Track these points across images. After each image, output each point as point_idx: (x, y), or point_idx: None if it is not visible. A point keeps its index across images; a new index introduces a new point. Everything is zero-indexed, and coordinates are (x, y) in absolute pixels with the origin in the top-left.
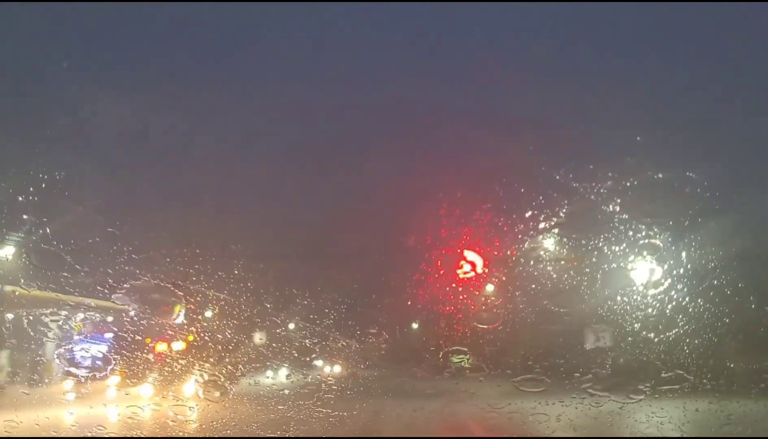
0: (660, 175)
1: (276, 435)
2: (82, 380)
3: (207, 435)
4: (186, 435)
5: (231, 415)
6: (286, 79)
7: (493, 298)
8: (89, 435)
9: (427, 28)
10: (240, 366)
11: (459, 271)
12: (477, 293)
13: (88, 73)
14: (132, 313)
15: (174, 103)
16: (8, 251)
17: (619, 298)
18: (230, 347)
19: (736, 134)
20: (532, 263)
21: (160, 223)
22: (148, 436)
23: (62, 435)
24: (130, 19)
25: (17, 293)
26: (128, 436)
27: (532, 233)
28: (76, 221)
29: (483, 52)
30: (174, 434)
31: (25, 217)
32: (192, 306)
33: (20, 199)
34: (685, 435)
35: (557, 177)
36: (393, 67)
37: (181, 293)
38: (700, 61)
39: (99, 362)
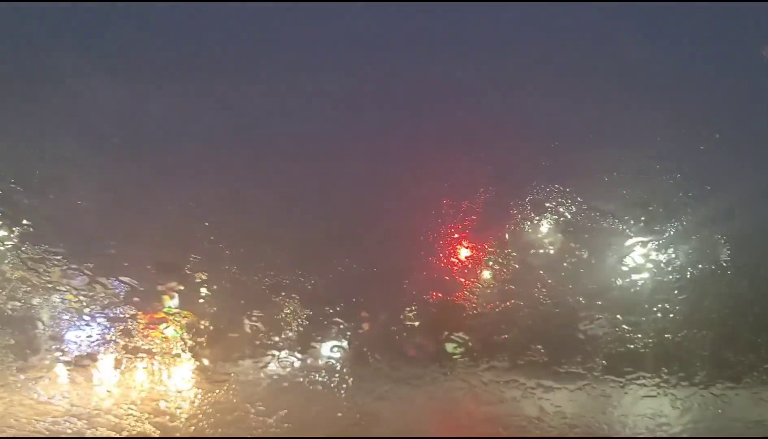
0: (658, 165)
1: (275, 435)
2: (73, 362)
3: (202, 425)
4: (179, 424)
5: (226, 401)
6: (280, 71)
7: (489, 285)
8: (89, 435)
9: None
10: (233, 351)
11: (454, 257)
12: (473, 279)
13: (87, 60)
14: (123, 295)
15: (171, 94)
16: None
17: (618, 285)
18: (224, 331)
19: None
20: (530, 249)
21: (156, 206)
22: (145, 436)
23: (54, 424)
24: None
25: (8, 274)
26: (127, 436)
27: (530, 219)
28: (71, 202)
29: (479, 47)
30: (167, 422)
31: (16, 195)
32: (187, 289)
33: (14, 179)
34: (684, 434)
35: (555, 164)
36: (391, 59)
37: (176, 276)
38: (694, 51)
39: (90, 345)
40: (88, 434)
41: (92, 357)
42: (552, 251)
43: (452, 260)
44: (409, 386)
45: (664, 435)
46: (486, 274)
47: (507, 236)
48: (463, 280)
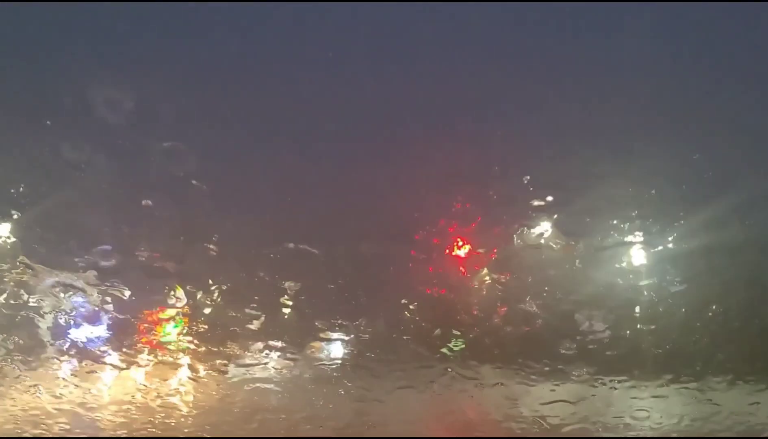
0: (656, 163)
1: (276, 435)
2: (76, 361)
3: (204, 426)
4: (183, 424)
5: (229, 399)
6: (279, 70)
7: (488, 282)
8: (90, 435)
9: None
10: (237, 350)
11: (452, 254)
12: (471, 276)
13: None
14: (128, 293)
15: (174, 90)
16: (2, 228)
17: (615, 284)
18: (227, 330)
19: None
20: (529, 246)
21: (158, 205)
22: (145, 436)
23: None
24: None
25: (11, 271)
26: (125, 436)
27: (530, 216)
28: (75, 198)
29: (476, 43)
30: (170, 421)
31: (20, 192)
32: (189, 288)
33: (17, 174)
34: (682, 435)
35: (554, 160)
36: (389, 56)
37: (179, 275)
38: (695, 49)
39: (93, 343)
40: (92, 433)
41: (94, 357)
42: (551, 254)
43: (453, 260)
44: (409, 386)
45: (664, 435)
46: (486, 274)
47: (505, 237)
48: (462, 279)
